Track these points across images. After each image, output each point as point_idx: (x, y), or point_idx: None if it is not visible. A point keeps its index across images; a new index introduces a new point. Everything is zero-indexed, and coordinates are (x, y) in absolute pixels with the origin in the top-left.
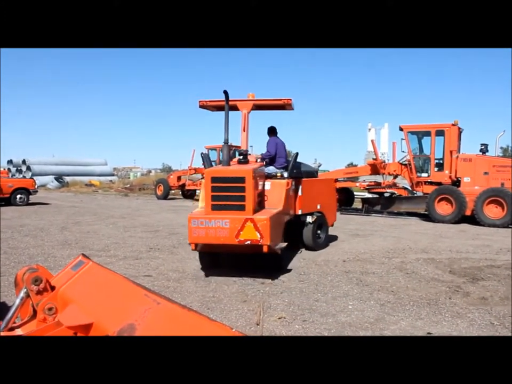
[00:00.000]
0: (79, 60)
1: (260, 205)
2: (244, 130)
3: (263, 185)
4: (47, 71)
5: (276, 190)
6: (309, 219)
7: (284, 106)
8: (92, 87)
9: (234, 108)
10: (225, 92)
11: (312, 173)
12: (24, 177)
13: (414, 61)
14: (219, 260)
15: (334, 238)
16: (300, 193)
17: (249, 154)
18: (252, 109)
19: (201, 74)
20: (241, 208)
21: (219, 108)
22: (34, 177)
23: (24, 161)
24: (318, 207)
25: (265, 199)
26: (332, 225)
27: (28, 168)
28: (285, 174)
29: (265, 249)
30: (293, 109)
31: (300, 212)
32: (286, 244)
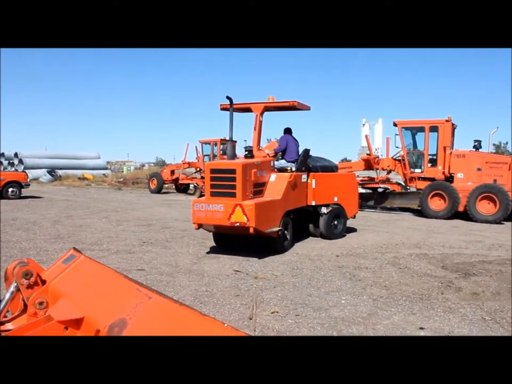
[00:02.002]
0: (72, 54)
1: (257, 193)
2: (255, 130)
3: (266, 176)
4: (40, 64)
5: (278, 182)
6: (324, 210)
7: (294, 107)
8: (86, 80)
9: (249, 110)
10: (229, 98)
11: (331, 168)
12: (16, 170)
13: (408, 57)
14: (233, 241)
15: None
16: (313, 185)
17: (261, 149)
18: (264, 111)
19: (195, 70)
20: (233, 195)
21: (237, 110)
22: (27, 171)
23: (16, 154)
24: (335, 199)
25: (267, 188)
26: (354, 217)
27: (20, 161)
28: (293, 168)
29: (251, 230)
30: (308, 109)
31: (313, 203)
32: (278, 228)
